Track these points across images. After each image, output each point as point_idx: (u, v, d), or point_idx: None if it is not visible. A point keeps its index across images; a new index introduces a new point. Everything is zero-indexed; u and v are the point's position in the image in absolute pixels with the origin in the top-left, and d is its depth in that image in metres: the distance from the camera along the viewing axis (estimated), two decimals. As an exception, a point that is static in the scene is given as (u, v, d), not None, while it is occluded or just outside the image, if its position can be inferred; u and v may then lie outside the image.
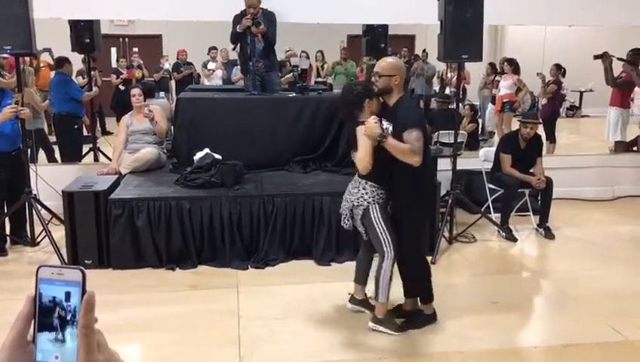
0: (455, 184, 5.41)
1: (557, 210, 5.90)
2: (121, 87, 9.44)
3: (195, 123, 5.64)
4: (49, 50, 8.33)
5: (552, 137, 8.48)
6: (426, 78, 9.99)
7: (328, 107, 5.71)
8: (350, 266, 4.66)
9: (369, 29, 6.84)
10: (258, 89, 5.88)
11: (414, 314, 3.87)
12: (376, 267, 3.68)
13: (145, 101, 5.85)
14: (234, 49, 6.23)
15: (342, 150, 5.73)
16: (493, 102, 9.43)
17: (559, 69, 8.83)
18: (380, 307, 3.70)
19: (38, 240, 5.22)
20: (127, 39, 10.92)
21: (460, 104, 7.76)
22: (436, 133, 6.93)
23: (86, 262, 4.64)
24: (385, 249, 3.59)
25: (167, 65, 10.29)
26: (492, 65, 9.86)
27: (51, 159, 7.25)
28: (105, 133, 9.08)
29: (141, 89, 5.94)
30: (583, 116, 12.48)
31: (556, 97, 8.98)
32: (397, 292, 3.83)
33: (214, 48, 9.89)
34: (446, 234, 5.38)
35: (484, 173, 6.04)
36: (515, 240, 5.53)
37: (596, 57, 7.23)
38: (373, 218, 3.57)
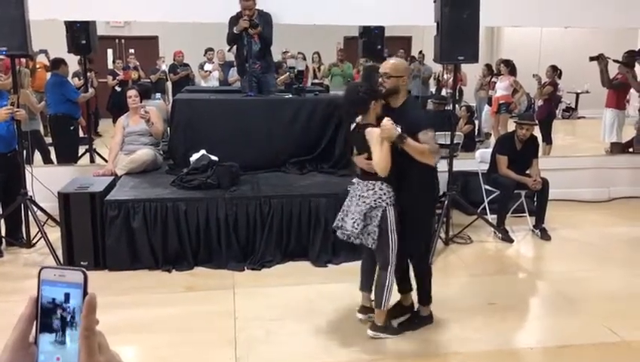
0: (451, 185, 5.42)
1: (553, 211, 5.91)
2: (118, 89, 9.43)
3: (192, 124, 5.63)
4: (45, 52, 8.32)
5: (548, 138, 8.50)
6: (422, 79, 10.01)
7: (326, 108, 5.72)
8: (347, 267, 4.69)
9: (365, 30, 6.86)
10: (254, 90, 5.88)
11: (411, 315, 3.87)
12: (377, 275, 3.59)
13: (141, 102, 5.85)
14: (230, 50, 6.23)
15: (338, 151, 5.74)
16: (490, 104, 9.46)
17: (555, 71, 8.85)
18: (381, 315, 3.64)
19: (34, 241, 5.20)
20: (123, 40, 10.92)
21: (457, 105, 7.77)
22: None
23: (82, 263, 4.63)
24: (390, 257, 3.51)
25: (163, 67, 10.28)
26: (488, 66, 9.89)
27: (47, 160, 7.23)
28: (96, 134, 9.03)
29: (137, 90, 5.94)
30: (579, 117, 12.52)
31: (552, 99, 9.00)
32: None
33: (211, 49, 9.89)
34: (442, 235, 5.38)
35: (480, 174, 6.05)
36: (511, 241, 5.54)
37: (592, 59, 7.26)
38: (390, 222, 3.46)
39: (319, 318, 3.91)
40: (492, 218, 5.74)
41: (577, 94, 12.21)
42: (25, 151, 5.34)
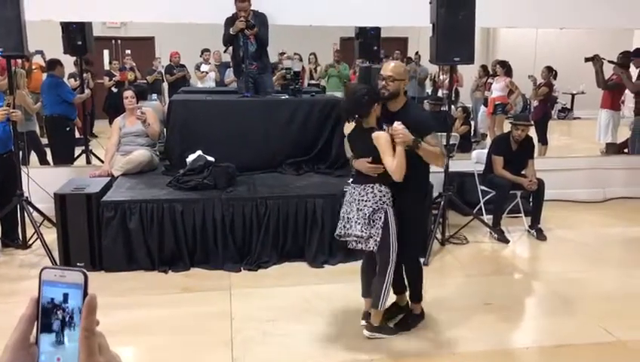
0: (447, 186, 5.43)
1: (548, 211, 5.92)
2: (114, 90, 9.42)
3: (188, 125, 5.63)
4: (41, 53, 8.32)
5: (543, 139, 8.53)
6: (418, 80, 10.03)
7: (323, 109, 5.72)
8: (343, 268, 4.70)
9: (362, 31, 6.86)
10: (251, 91, 5.88)
11: (405, 314, 3.87)
12: (378, 276, 3.56)
13: (137, 103, 5.85)
14: (226, 51, 6.24)
15: (335, 152, 5.75)
16: (486, 105, 9.49)
17: (550, 72, 8.88)
18: (377, 315, 3.62)
19: (30, 242, 5.19)
20: (119, 41, 10.91)
21: (453, 106, 7.79)
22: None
23: (78, 264, 4.62)
24: (391, 257, 3.49)
25: (160, 68, 10.27)
26: (484, 67, 9.92)
27: (43, 161, 7.22)
28: (92, 135, 9.02)
29: (134, 91, 5.94)
30: (574, 118, 12.55)
31: (548, 99, 9.03)
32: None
33: (207, 50, 9.89)
34: (438, 235, 5.39)
35: (476, 174, 6.06)
36: (507, 241, 5.55)
37: (587, 60, 7.29)
38: (391, 223, 3.45)
39: (316, 319, 3.92)
40: (488, 218, 5.76)
41: (573, 95, 12.25)
42: (21, 152, 5.34)
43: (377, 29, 6.77)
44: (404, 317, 3.86)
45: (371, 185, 3.45)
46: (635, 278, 4.78)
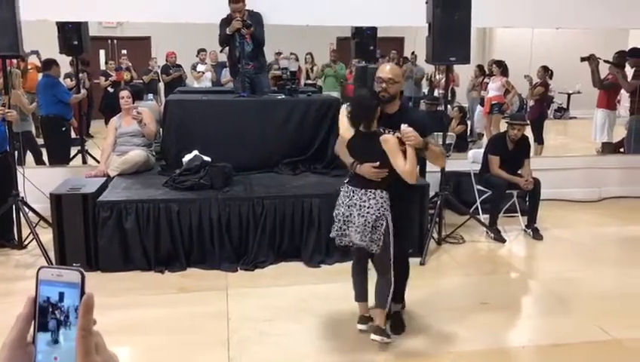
0: (444, 185, 5.44)
1: (545, 211, 5.94)
2: (110, 90, 9.40)
3: (184, 125, 5.63)
4: (37, 53, 8.28)
5: (539, 139, 8.54)
6: (414, 80, 10.03)
7: (319, 108, 5.72)
8: (340, 267, 4.69)
9: (358, 31, 6.86)
10: (247, 91, 5.87)
11: (394, 316, 3.83)
12: (381, 280, 3.53)
13: (133, 103, 5.84)
14: (222, 51, 6.23)
15: (331, 152, 5.72)
16: (482, 104, 9.49)
17: (546, 71, 8.90)
18: (383, 316, 3.58)
19: (26, 243, 5.17)
20: (115, 41, 10.87)
21: (449, 106, 7.79)
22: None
23: (74, 264, 4.61)
24: (391, 261, 3.49)
25: (156, 68, 10.25)
26: (480, 67, 9.92)
27: (39, 162, 7.20)
28: (88, 135, 8.98)
29: (130, 91, 5.92)
30: (570, 118, 12.57)
31: (544, 99, 9.05)
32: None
33: (203, 50, 9.86)
34: (435, 235, 5.40)
35: (472, 174, 6.07)
36: (503, 241, 5.57)
37: (583, 59, 7.30)
38: (390, 228, 3.43)
39: (312, 318, 3.92)
40: (484, 218, 5.77)
41: (569, 95, 12.27)
42: (16, 153, 5.32)
43: (374, 29, 6.77)
44: (394, 318, 3.83)
45: (373, 190, 3.39)
46: (631, 277, 4.80)
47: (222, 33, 5.76)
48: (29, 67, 8.53)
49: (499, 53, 10.10)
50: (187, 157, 5.29)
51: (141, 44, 10.83)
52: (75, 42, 6.60)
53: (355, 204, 3.40)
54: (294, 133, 5.74)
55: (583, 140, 9.08)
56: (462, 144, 8.38)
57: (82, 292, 0.70)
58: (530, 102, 9.04)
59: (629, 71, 7.47)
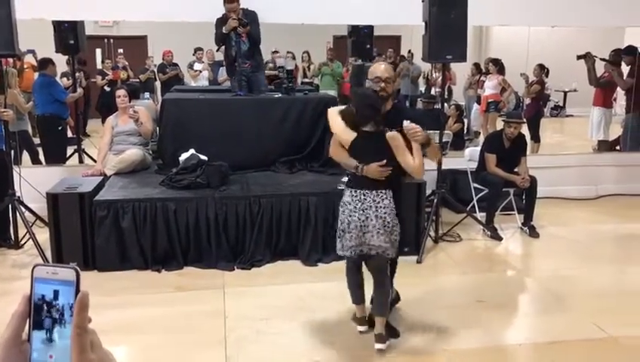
0: (440, 183, 5.44)
1: (541, 208, 5.95)
2: (107, 89, 9.38)
3: (181, 124, 5.62)
4: (33, 52, 8.26)
5: (536, 137, 8.56)
6: (411, 78, 10.03)
7: (316, 107, 5.71)
8: (337, 266, 4.67)
9: (354, 29, 6.86)
10: (244, 89, 5.87)
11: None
12: (382, 283, 3.50)
13: (130, 102, 5.83)
14: (218, 50, 6.22)
15: (327, 150, 5.73)
16: (479, 103, 9.50)
17: (542, 69, 8.91)
18: (384, 324, 3.55)
19: (22, 242, 5.16)
20: (112, 40, 10.85)
21: (446, 104, 7.80)
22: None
23: (71, 264, 4.59)
24: (388, 263, 3.49)
25: (152, 67, 10.23)
26: (477, 65, 9.93)
27: (35, 161, 7.18)
28: (84, 134, 8.97)
29: (126, 90, 5.92)
30: (567, 116, 12.59)
31: (540, 97, 9.07)
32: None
33: (200, 49, 9.86)
34: (432, 233, 5.40)
35: (469, 172, 6.07)
36: (500, 239, 5.57)
37: (579, 57, 7.32)
38: (398, 228, 3.41)
39: (309, 317, 3.92)
40: (481, 216, 5.77)
41: (565, 92, 12.28)
42: (13, 152, 5.31)
43: (370, 28, 6.78)
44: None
45: (383, 190, 3.35)
46: (627, 275, 4.82)
47: (218, 32, 5.76)
48: (25, 66, 8.51)
49: (495, 51, 10.11)
50: (184, 156, 5.29)
51: (137, 43, 10.82)
52: (72, 41, 6.58)
53: (371, 206, 3.33)
54: (291, 132, 5.74)
55: (580, 138, 9.10)
56: (458, 142, 8.39)
57: (77, 290, 0.70)
58: (527, 101, 9.05)
59: (625, 69, 7.49)
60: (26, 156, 7.07)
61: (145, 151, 5.75)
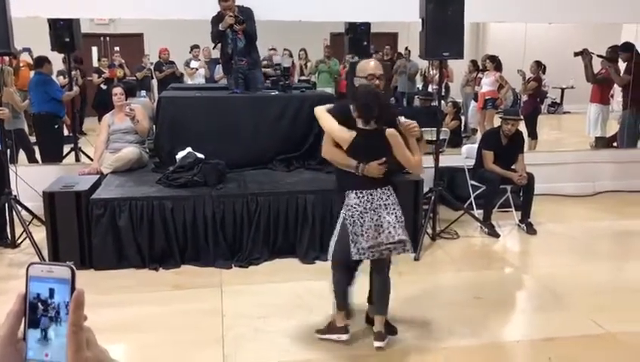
0: (438, 181, 5.44)
1: (539, 205, 5.95)
2: (103, 87, 9.35)
3: (177, 122, 5.60)
4: (28, 50, 8.23)
5: (533, 134, 8.56)
6: (408, 75, 10.04)
7: (313, 104, 5.69)
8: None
9: (351, 26, 6.85)
10: (241, 87, 5.85)
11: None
12: (385, 283, 3.49)
13: (126, 100, 5.81)
14: (214, 48, 6.20)
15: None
16: (476, 100, 9.51)
17: (539, 66, 8.92)
18: (384, 321, 3.53)
19: (19, 241, 5.15)
20: (108, 38, 10.82)
21: (443, 101, 7.79)
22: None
23: (67, 262, 4.58)
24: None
25: (149, 65, 10.21)
26: (474, 62, 9.93)
27: (32, 160, 7.16)
28: (81, 132, 8.93)
29: (122, 88, 5.90)
30: (564, 112, 12.61)
31: (537, 94, 9.07)
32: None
33: (196, 47, 9.83)
34: (429, 230, 5.41)
35: (466, 169, 6.08)
36: (497, 236, 5.58)
37: (576, 54, 7.33)
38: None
39: (307, 315, 3.92)
40: (478, 213, 5.78)
41: (562, 89, 12.30)
42: (9, 151, 5.29)
43: (367, 25, 6.76)
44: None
45: (387, 186, 3.32)
46: (624, 271, 4.83)
47: (214, 30, 5.74)
48: (21, 64, 8.48)
49: (492, 48, 10.12)
50: (180, 154, 5.27)
51: (134, 41, 10.79)
52: (67, 39, 6.55)
53: (380, 204, 3.28)
54: (288, 130, 5.72)
55: (577, 135, 9.11)
56: (456, 139, 8.39)
57: (73, 288, 0.70)
58: (524, 97, 9.06)
59: (622, 65, 7.49)
60: (22, 155, 7.06)
61: (141, 149, 5.74)
